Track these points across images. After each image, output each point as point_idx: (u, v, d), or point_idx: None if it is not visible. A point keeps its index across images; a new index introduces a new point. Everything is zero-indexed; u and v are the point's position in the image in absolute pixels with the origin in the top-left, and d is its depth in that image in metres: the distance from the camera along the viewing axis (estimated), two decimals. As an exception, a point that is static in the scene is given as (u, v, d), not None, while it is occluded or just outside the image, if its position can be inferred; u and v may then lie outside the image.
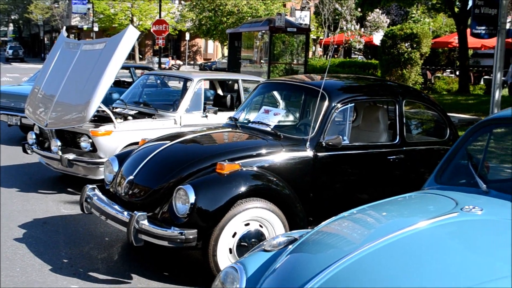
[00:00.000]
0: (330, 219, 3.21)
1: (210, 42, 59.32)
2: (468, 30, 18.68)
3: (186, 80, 9.01)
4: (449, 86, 27.19)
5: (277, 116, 6.14)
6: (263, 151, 5.40)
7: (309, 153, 5.44)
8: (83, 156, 7.86)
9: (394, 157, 5.97)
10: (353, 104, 6.21)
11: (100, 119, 8.14)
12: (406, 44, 21.61)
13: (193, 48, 65.54)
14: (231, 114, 6.99)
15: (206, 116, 8.50)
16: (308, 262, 2.73)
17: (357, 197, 5.73)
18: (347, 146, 5.77)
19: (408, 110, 6.78)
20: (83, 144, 7.73)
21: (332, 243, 2.92)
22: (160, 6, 33.63)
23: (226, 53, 40.40)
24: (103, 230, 6.31)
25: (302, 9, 37.70)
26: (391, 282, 2.43)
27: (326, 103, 5.63)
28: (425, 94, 8.51)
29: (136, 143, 6.78)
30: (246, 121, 6.43)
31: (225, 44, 39.56)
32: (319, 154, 5.48)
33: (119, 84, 13.41)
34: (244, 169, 5.07)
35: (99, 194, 5.54)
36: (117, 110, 8.88)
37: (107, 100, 9.34)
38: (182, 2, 55.10)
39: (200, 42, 64.73)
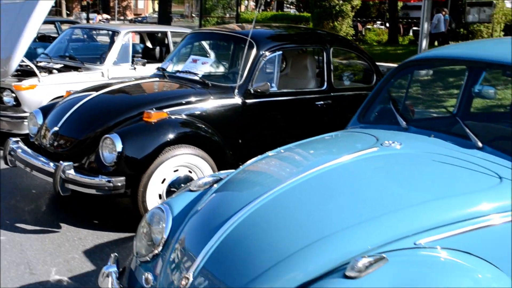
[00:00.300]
0: (256, 158, 3.27)
1: (141, -4, 58.13)
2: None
3: (113, 32, 8.94)
4: (379, 37, 27.86)
5: (205, 65, 6.20)
6: (192, 99, 5.46)
7: (237, 100, 5.55)
8: (7, 111, 7.69)
9: (322, 102, 6.15)
10: (281, 52, 6.30)
11: (24, 73, 7.96)
12: (338, -3, 21.86)
13: (122, 3, 64.05)
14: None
15: (135, 69, 8.50)
16: (231, 200, 2.80)
17: (285, 142, 5.82)
18: (275, 93, 5.89)
19: (337, 57, 6.92)
20: (5, 98, 7.60)
21: (255, 180, 2.98)
22: (87, -42, 32.63)
23: (157, 8, 39.69)
24: (29, 183, 6.23)
25: (233, -39, 37.39)
26: (310, 212, 2.55)
27: (254, 51, 5.72)
28: (353, 42, 8.69)
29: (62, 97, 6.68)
30: (174, 71, 6.44)
31: (155, -2, 38.90)
32: (248, 101, 5.60)
33: (44, 39, 13.09)
34: (172, 117, 5.11)
35: (23, 146, 5.47)
36: (41, 64, 8.69)
37: (32, 55, 9.16)
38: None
39: (130, -4, 63.37)
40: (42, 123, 5.63)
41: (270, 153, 3.27)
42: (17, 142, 5.54)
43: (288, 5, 46.18)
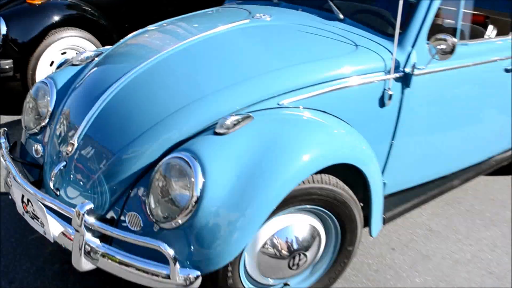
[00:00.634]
0: (137, 32, 3.23)
1: None
2: None
3: None
4: None
5: None
6: None
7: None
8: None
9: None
10: None
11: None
12: None
13: None
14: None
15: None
16: (111, 71, 2.76)
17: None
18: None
19: None
20: None
21: (134, 51, 2.93)
22: None
23: None
24: None
25: None
26: (184, 78, 2.59)
27: None
28: None
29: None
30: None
31: None
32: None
33: None
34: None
35: None
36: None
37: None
38: None
39: None
40: None
41: (151, 27, 3.23)
42: None
43: None
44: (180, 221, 2.15)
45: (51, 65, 4.70)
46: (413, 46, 2.79)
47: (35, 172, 2.70)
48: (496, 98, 3.46)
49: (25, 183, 2.50)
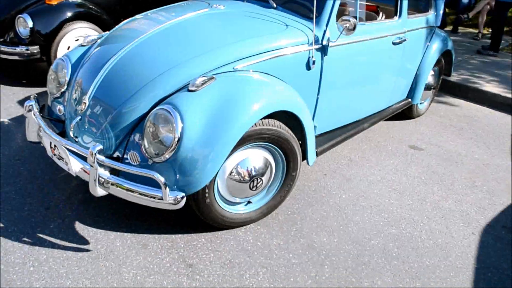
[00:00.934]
0: (128, 19, 3.17)
1: None
2: None
3: None
4: None
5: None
6: None
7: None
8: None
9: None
10: None
11: None
12: None
13: None
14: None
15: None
16: (110, 48, 2.70)
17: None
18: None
19: None
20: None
21: (126, 33, 2.86)
22: None
23: None
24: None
25: None
26: (165, 51, 2.56)
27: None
28: None
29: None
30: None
31: None
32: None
33: None
34: (70, 0, 4.72)
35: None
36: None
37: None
38: None
39: None
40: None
41: (138, 15, 3.17)
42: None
43: None
44: (167, 156, 2.18)
45: (68, 49, 4.57)
46: (327, 25, 2.83)
47: (59, 126, 2.67)
48: (388, 63, 3.54)
49: (52, 133, 2.48)
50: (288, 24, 2.81)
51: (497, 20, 6.63)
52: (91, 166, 2.25)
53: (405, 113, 4.36)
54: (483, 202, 3.16)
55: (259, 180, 2.51)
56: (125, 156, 2.36)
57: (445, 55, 4.50)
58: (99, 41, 2.95)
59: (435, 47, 4.11)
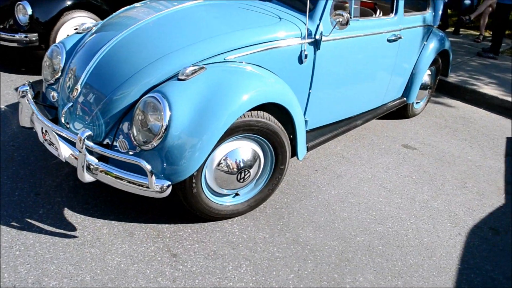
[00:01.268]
0: (125, 8, 3.15)
1: None
2: None
3: None
4: None
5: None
6: None
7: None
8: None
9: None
10: None
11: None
12: None
13: None
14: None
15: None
16: (104, 35, 2.69)
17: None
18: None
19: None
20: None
21: (122, 21, 2.83)
22: None
23: None
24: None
25: None
26: (159, 38, 2.54)
27: None
28: None
29: None
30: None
31: None
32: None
33: None
34: (69, -12, 4.71)
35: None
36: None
37: None
38: None
39: None
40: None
41: (135, 4, 3.15)
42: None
43: None
44: (155, 144, 2.17)
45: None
46: (320, 19, 2.80)
47: (53, 112, 2.67)
48: (382, 60, 3.52)
49: (43, 118, 2.48)
50: (281, 17, 2.80)
51: (498, 23, 6.59)
52: (80, 151, 2.24)
53: (401, 112, 4.35)
54: (472, 203, 3.15)
55: (246, 172, 2.50)
56: (114, 143, 2.35)
57: (442, 55, 4.48)
58: (94, 28, 2.94)
59: (432, 46, 4.09)
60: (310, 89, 2.90)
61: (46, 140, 2.53)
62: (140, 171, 2.18)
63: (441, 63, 4.53)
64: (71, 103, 2.50)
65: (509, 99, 5.06)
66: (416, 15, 3.86)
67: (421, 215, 2.94)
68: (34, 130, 2.67)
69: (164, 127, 2.14)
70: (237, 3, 2.97)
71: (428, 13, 4.05)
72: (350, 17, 2.84)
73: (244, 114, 2.32)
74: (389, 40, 3.42)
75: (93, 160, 2.27)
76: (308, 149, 2.92)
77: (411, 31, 3.72)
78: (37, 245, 2.33)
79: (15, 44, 4.45)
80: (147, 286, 2.15)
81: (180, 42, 2.46)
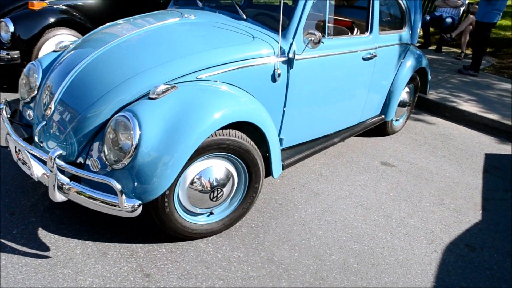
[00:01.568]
0: (102, 26, 3.15)
1: None
2: None
3: None
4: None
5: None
6: None
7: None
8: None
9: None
10: None
11: None
12: None
13: None
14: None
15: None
16: (79, 53, 2.68)
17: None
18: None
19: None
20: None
21: (97, 40, 2.82)
22: None
23: None
24: None
25: None
26: (133, 56, 2.54)
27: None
28: None
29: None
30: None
31: None
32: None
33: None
34: (54, 6, 4.72)
35: None
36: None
37: None
38: None
39: None
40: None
41: (111, 23, 3.16)
42: None
43: None
44: (125, 163, 2.16)
45: (49, 55, 4.53)
46: (293, 38, 2.83)
47: (29, 131, 2.65)
48: (358, 78, 3.54)
49: (16, 137, 2.47)
50: (255, 35, 2.81)
51: (477, 41, 6.70)
52: (50, 171, 2.22)
53: (380, 129, 4.37)
54: (449, 220, 3.16)
55: (219, 191, 2.49)
56: (87, 162, 2.33)
57: (420, 72, 4.53)
58: (71, 46, 2.94)
59: (409, 64, 4.14)
60: (284, 107, 2.91)
61: (19, 159, 2.51)
62: (113, 191, 2.16)
63: (419, 80, 4.58)
64: (45, 122, 2.49)
65: (488, 116, 5.11)
66: (392, 34, 3.91)
67: (397, 232, 2.93)
68: (8, 149, 2.64)
69: (134, 146, 2.13)
70: (212, 22, 2.98)
71: (405, 32, 4.11)
72: (324, 36, 2.88)
73: (215, 133, 2.32)
74: (364, 59, 3.45)
75: (64, 179, 2.25)
76: (284, 167, 2.91)
77: (387, 49, 3.77)
78: (9, 265, 2.29)
79: (-5, 64, 4.43)
80: (116, 308, 2.11)
81: (153, 61, 2.46)
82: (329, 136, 3.50)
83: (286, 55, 2.80)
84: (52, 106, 2.47)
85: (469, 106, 5.37)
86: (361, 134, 4.40)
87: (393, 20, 4.10)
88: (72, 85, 2.47)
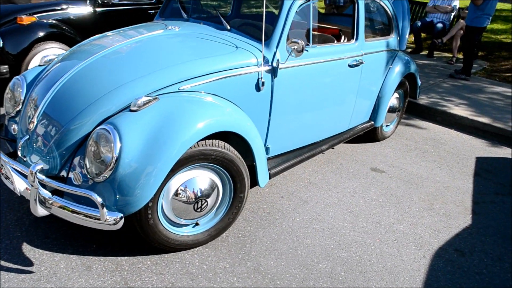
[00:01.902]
0: (87, 40, 3.15)
1: None
2: None
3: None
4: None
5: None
6: (61, 7, 5.01)
7: (89, 8, 5.19)
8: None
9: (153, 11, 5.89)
10: None
11: None
12: None
13: None
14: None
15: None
16: (61, 68, 2.67)
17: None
18: (117, 3, 5.53)
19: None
20: None
21: (80, 53, 2.81)
22: None
23: None
24: None
25: None
26: (116, 68, 2.53)
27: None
28: None
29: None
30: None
31: None
32: (97, 9, 5.25)
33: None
34: (43, 20, 4.73)
35: None
36: None
37: None
38: None
39: None
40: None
41: (96, 36, 3.15)
42: None
43: None
44: (106, 175, 2.14)
45: (39, 69, 4.53)
46: (277, 47, 2.82)
47: (14, 146, 2.63)
48: (345, 86, 3.53)
49: (-1, 152, 2.44)
50: (238, 45, 2.81)
51: (468, 45, 6.71)
52: (32, 185, 2.20)
53: (370, 135, 4.35)
54: (438, 225, 3.13)
55: (203, 201, 2.46)
56: (70, 176, 2.31)
57: (409, 78, 4.52)
58: (56, 60, 2.93)
59: (397, 70, 4.13)
60: (270, 116, 2.89)
61: (2, 174, 2.48)
62: (96, 204, 2.14)
63: (408, 86, 4.57)
64: (28, 136, 2.47)
65: (479, 119, 5.10)
66: (379, 40, 3.91)
67: (386, 239, 2.90)
68: None
69: (115, 159, 2.11)
70: (196, 33, 2.98)
71: (392, 38, 4.11)
72: (308, 44, 2.88)
73: (198, 143, 2.30)
74: (350, 66, 3.44)
75: (46, 193, 2.23)
76: (271, 175, 2.89)
77: (374, 56, 3.76)
78: (-9, 282, 2.26)
79: (-13, 77, 4.43)
80: (98, 323, 2.08)
81: (136, 73, 2.46)
82: (317, 144, 3.48)
83: (270, 64, 2.79)
84: (35, 120, 2.46)
85: (460, 110, 5.36)
86: (351, 140, 4.38)
87: (380, 27, 4.10)
88: (55, 98, 2.46)
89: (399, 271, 2.61)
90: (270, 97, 2.84)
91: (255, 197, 3.20)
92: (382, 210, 3.24)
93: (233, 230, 2.80)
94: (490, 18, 6.49)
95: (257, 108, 2.79)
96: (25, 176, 2.36)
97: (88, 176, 2.21)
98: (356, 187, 3.54)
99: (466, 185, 3.79)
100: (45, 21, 4.75)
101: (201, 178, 2.45)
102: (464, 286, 2.55)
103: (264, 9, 2.56)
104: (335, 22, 4.22)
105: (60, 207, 2.21)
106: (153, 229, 2.35)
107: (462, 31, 7.74)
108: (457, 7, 8.24)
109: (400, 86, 4.35)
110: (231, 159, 2.45)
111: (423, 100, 5.62)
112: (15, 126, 2.74)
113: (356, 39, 3.53)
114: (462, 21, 7.71)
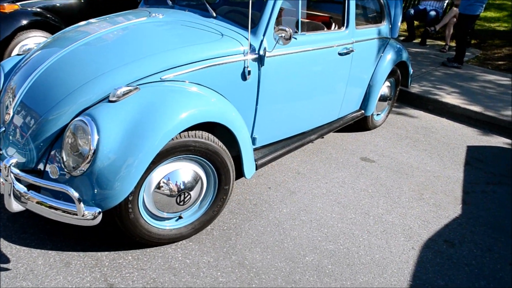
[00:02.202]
0: (68, 27, 3.03)
1: None
2: None
3: None
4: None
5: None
6: None
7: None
8: None
9: None
10: None
11: None
12: None
13: None
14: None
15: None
16: (39, 56, 2.56)
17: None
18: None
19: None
20: None
21: (60, 41, 2.69)
22: None
23: None
24: None
25: None
26: (96, 57, 2.42)
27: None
28: None
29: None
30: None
31: None
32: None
33: None
34: (27, 8, 4.58)
35: None
36: None
37: None
38: None
39: None
40: None
41: (78, 24, 3.03)
42: None
43: None
44: (83, 169, 2.05)
45: (22, 58, 4.40)
46: (264, 35, 2.71)
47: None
48: (335, 74, 3.43)
49: (-28, 146, 2.34)
50: (224, 33, 2.70)
51: (461, 33, 6.62)
52: (5, 180, 2.10)
53: (361, 124, 4.28)
54: (428, 216, 3.07)
55: (186, 194, 2.38)
56: (46, 169, 2.21)
57: (401, 66, 4.43)
58: (35, 48, 2.81)
59: (389, 58, 4.04)
60: (256, 105, 2.80)
61: None
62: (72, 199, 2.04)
63: (400, 74, 4.48)
64: (3, 128, 2.37)
65: (471, 107, 5.03)
66: (370, 28, 3.81)
67: (374, 230, 2.84)
68: None
69: (92, 151, 2.01)
70: (180, 20, 2.86)
71: (384, 26, 4.01)
72: (296, 32, 2.78)
73: (180, 134, 2.21)
74: (340, 54, 3.34)
75: (22, 188, 2.13)
76: (258, 166, 2.81)
77: (364, 43, 3.66)
78: (-34, 280, 2.17)
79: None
80: (76, 321, 2.00)
81: (117, 61, 2.34)
82: (306, 133, 3.39)
83: (256, 52, 2.68)
84: (11, 111, 2.35)
85: (452, 99, 5.29)
86: (341, 129, 4.30)
87: (372, 15, 3.99)
88: (33, 87, 2.35)
89: (387, 263, 2.55)
90: (257, 86, 2.74)
91: (241, 188, 3.12)
92: (371, 200, 3.17)
93: (218, 222, 2.72)
94: (484, 5, 6.39)
95: (243, 97, 2.69)
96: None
97: (65, 169, 2.11)
98: (345, 177, 3.46)
99: (456, 174, 3.72)
100: (28, 9, 4.60)
101: (184, 170, 2.36)
102: (453, 278, 2.49)
103: None
104: (325, 9, 4.10)
105: (37, 202, 2.11)
106: (134, 223, 2.27)
107: (455, 19, 7.65)
108: (450, -6, 8.15)
109: (392, 74, 4.26)
110: (215, 150, 2.36)
111: (415, 88, 5.54)
112: None
113: (347, 26, 3.43)
114: (455, 8, 7.61)
